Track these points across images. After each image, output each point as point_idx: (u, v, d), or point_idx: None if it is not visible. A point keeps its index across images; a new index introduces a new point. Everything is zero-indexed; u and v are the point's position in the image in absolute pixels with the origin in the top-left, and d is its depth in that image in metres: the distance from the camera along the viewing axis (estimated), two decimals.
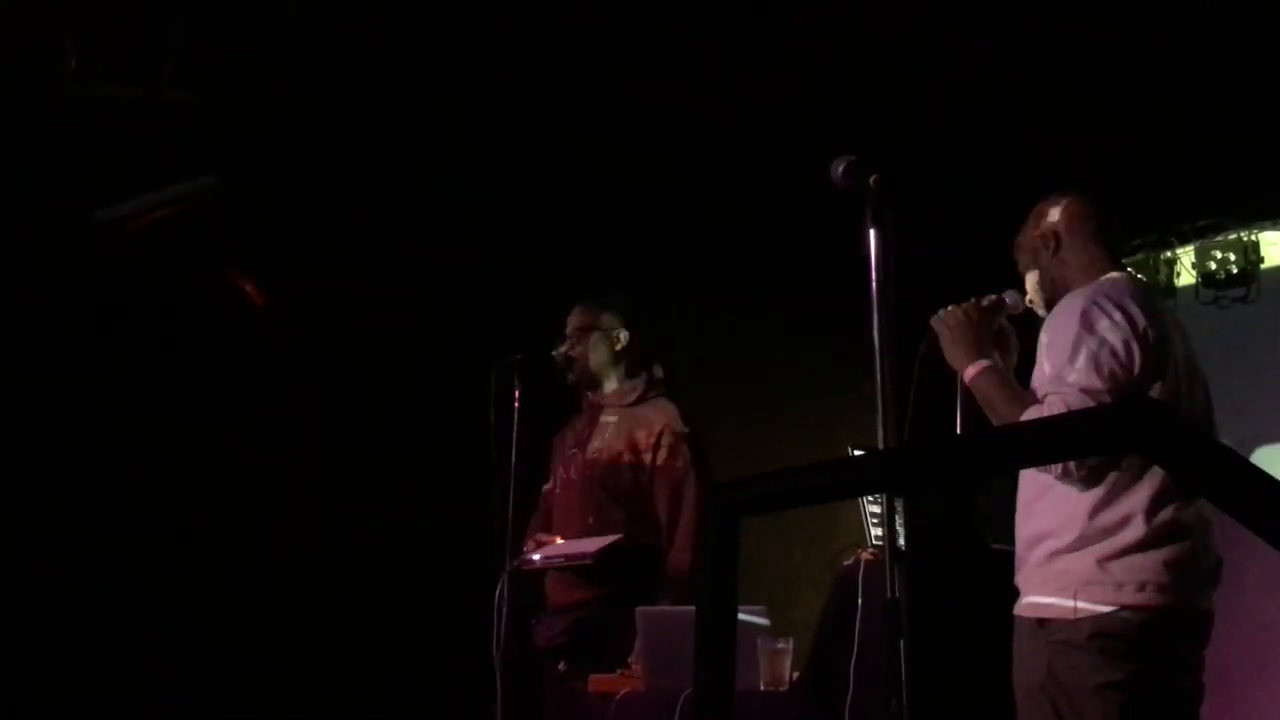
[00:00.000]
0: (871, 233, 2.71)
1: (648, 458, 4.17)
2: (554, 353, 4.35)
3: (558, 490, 4.33)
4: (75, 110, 4.97)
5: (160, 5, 4.91)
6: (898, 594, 2.52)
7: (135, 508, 5.20)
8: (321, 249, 5.59)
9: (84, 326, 5.18)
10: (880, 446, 2.65)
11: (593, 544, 4.02)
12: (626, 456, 4.19)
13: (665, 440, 4.18)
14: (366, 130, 5.67)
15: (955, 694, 3.28)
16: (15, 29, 4.76)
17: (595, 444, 4.25)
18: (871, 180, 2.74)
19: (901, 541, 2.82)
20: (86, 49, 4.85)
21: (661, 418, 4.23)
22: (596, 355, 4.32)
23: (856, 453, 3.78)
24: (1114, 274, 3.09)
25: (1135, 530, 2.84)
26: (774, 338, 6.73)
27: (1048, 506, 2.94)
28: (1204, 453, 1.25)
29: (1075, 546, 2.87)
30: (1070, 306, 2.96)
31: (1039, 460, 2.39)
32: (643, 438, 4.19)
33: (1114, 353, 2.86)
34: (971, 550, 3.53)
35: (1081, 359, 2.85)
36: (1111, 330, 2.88)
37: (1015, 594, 3.02)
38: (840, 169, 2.77)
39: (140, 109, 4.98)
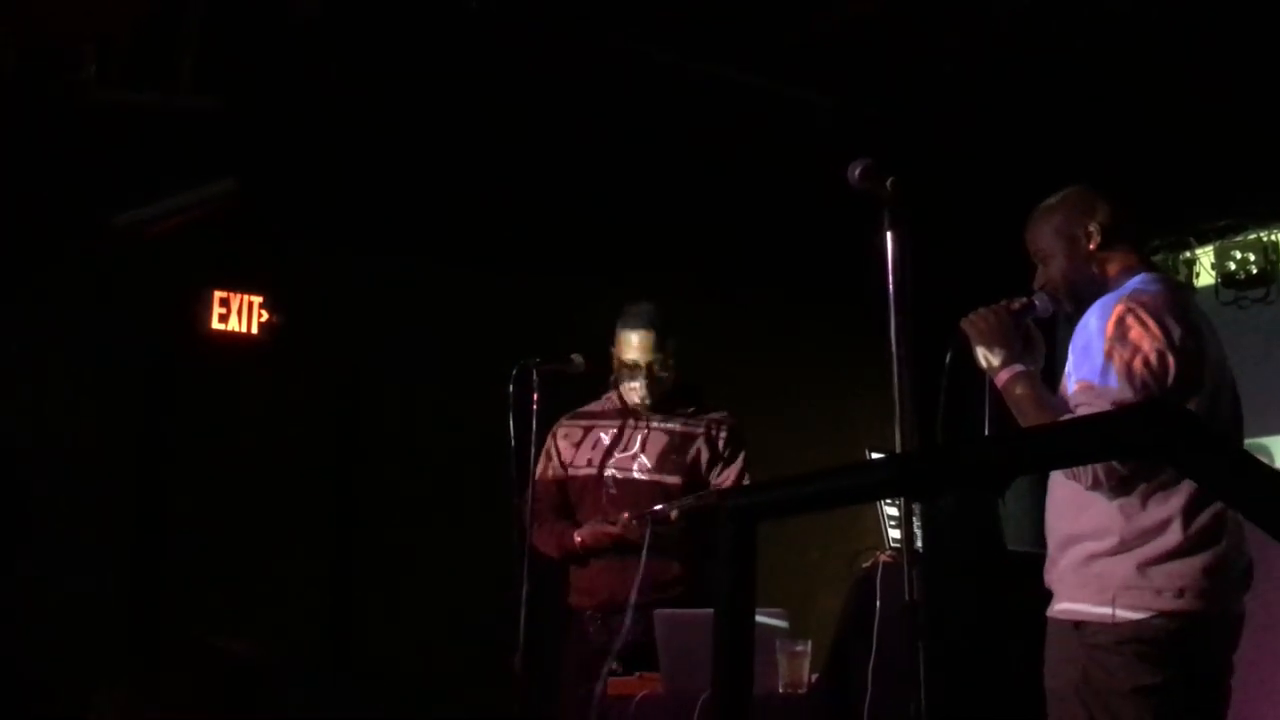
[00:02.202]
0: (888, 235, 2.71)
1: (719, 460, 4.31)
2: (574, 355, 4.33)
3: (612, 490, 4.30)
4: (95, 115, 4.99)
5: (179, 10, 4.93)
6: (916, 596, 2.51)
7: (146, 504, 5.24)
8: (340, 252, 5.61)
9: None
10: (898, 449, 2.64)
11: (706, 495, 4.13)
12: (704, 460, 4.29)
13: (733, 445, 4.34)
14: (384, 133, 5.69)
15: (974, 696, 3.27)
16: (35, 35, 4.78)
17: (663, 449, 4.29)
18: (888, 183, 2.73)
19: (918, 544, 2.81)
20: (106, 54, 4.88)
21: (728, 423, 4.38)
22: (670, 378, 4.38)
23: (874, 456, 3.78)
24: (1147, 274, 3.02)
25: (1174, 535, 2.82)
26: (793, 341, 6.73)
27: (1082, 508, 2.91)
28: (1222, 457, 1.25)
29: (1115, 551, 2.84)
30: (1104, 313, 2.89)
31: (1057, 464, 2.37)
32: (715, 440, 4.32)
33: (1148, 363, 2.80)
34: (990, 552, 3.52)
35: (1115, 370, 2.80)
36: (1147, 341, 2.82)
37: (1041, 594, 3.00)
38: (857, 171, 2.76)
39: (159, 114, 5.00)
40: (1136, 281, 3.00)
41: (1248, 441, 5.77)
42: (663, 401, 4.34)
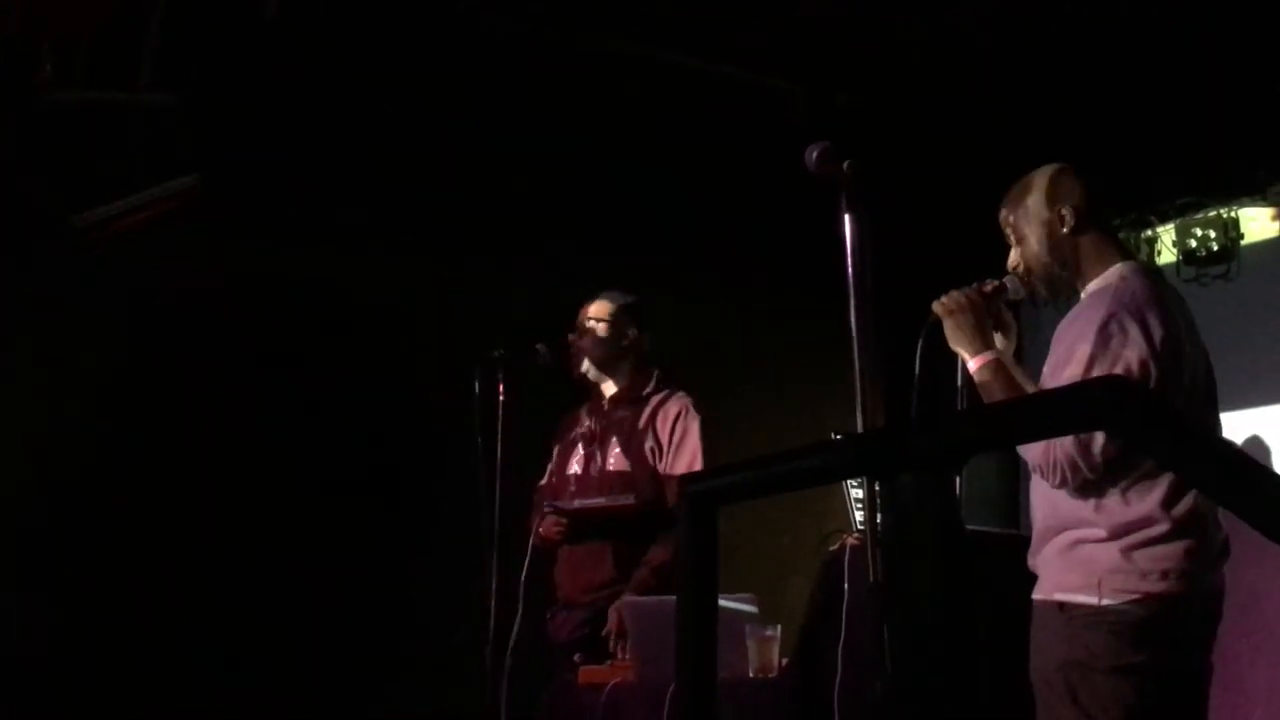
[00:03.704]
0: (847, 219, 2.71)
1: (666, 445, 4.28)
2: (539, 346, 4.35)
3: (572, 488, 4.33)
4: (53, 114, 4.95)
5: (138, 7, 4.90)
6: (881, 579, 2.52)
7: (126, 516, 5.20)
8: (302, 248, 5.58)
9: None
10: (859, 431, 2.65)
11: (625, 496, 4.18)
12: (649, 447, 4.26)
13: (681, 424, 4.30)
14: (345, 128, 5.67)
15: (937, 673, 3.29)
16: None
17: (614, 440, 4.30)
18: (846, 166, 2.73)
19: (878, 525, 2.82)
20: (63, 52, 4.84)
21: (677, 407, 4.34)
22: (605, 346, 4.35)
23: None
24: (1124, 265, 3.01)
25: (1161, 524, 2.84)
26: (760, 324, 6.74)
27: (1063, 499, 2.92)
28: (1175, 431, 1.25)
29: (1101, 539, 2.86)
30: (1089, 315, 2.90)
31: (1014, 440, 2.39)
32: (662, 424, 4.30)
33: (1129, 372, 2.81)
34: (946, 531, 3.53)
35: (1098, 371, 2.81)
36: (1129, 348, 2.83)
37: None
38: (814, 155, 2.76)
39: (119, 112, 4.97)
40: (1115, 274, 3.00)
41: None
42: (616, 377, 4.37)
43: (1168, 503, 2.84)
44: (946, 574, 3.45)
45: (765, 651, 3.60)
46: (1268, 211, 6.39)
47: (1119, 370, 2.81)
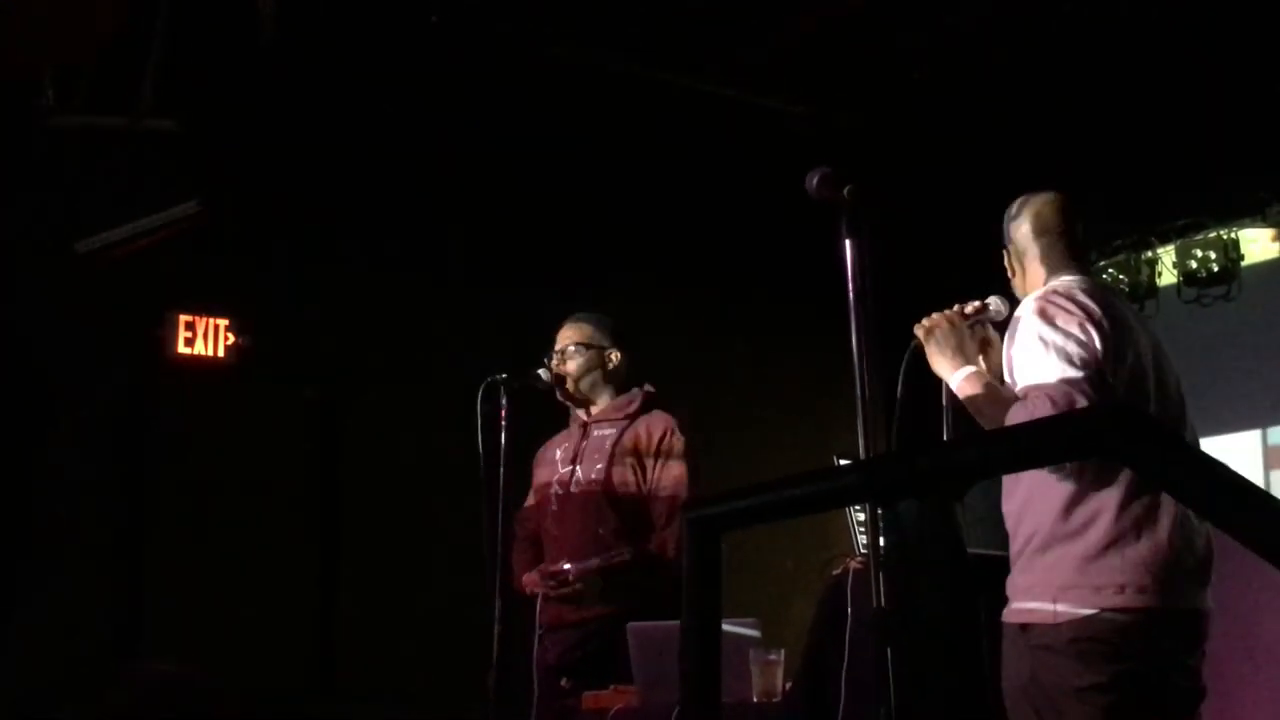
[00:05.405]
0: (847, 243, 2.72)
1: (650, 462, 4.23)
2: (540, 370, 4.34)
3: (554, 507, 4.31)
4: (55, 140, 4.97)
5: (138, 34, 4.92)
6: (884, 603, 2.52)
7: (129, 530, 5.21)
8: (305, 272, 5.60)
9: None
10: (862, 455, 2.65)
11: (619, 552, 4.11)
12: (630, 464, 4.23)
13: (666, 446, 4.24)
14: (346, 151, 5.69)
15: (940, 699, 3.28)
16: None
17: (595, 457, 4.26)
18: (846, 191, 2.75)
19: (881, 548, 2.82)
20: (65, 79, 4.86)
21: (662, 425, 4.28)
22: (590, 371, 4.33)
23: (843, 462, 3.79)
24: (1066, 277, 3.09)
25: (1102, 527, 2.84)
26: (762, 347, 6.75)
27: (1026, 513, 2.97)
28: (1176, 455, 1.26)
29: (1047, 546, 2.88)
30: (1026, 311, 2.98)
31: (1020, 466, 2.39)
32: (645, 444, 4.25)
33: (1080, 342, 2.87)
34: (950, 556, 3.53)
35: (1053, 354, 2.86)
36: (1069, 322, 2.90)
37: (999, 596, 3.03)
38: (815, 180, 2.77)
39: (119, 137, 4.98)
40: (1053, 280, 3.09)
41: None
42: (601, 396, 4.35)
43: (1119, 506, 2.85)
44: (950, 598, 3.44)
45: (769, 676, 3.58)
46: (1268, 233, 6.41)
47: (1071, 345, 2.86)
